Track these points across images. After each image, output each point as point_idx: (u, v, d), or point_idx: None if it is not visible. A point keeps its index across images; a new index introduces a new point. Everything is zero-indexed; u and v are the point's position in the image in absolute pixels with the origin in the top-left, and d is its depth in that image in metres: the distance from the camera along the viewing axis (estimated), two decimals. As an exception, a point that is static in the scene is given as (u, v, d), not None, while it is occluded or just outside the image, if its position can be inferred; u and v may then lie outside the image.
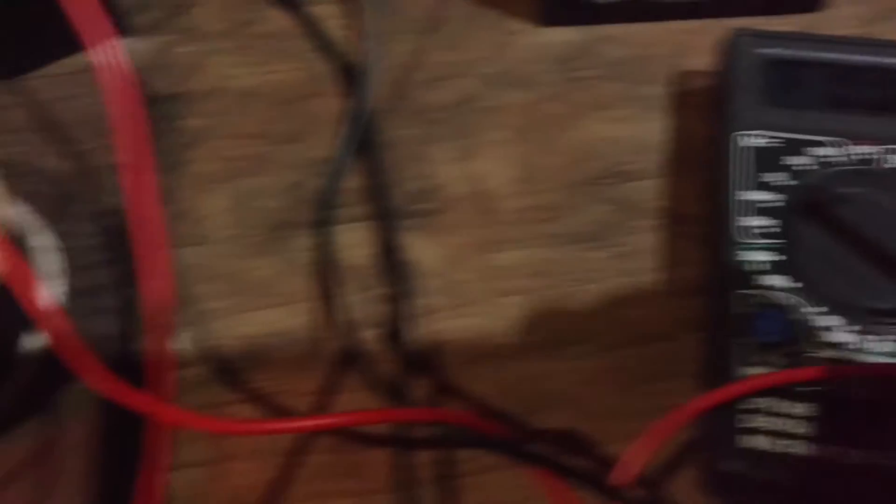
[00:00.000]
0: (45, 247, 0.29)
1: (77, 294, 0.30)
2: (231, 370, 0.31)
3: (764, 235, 0.28)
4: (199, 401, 0.30)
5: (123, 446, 0.29)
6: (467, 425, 0.26)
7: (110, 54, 0.23)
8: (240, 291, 0.32)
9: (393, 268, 0.32)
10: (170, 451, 0.25)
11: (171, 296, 0.27)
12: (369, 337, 0.31)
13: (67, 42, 0.37)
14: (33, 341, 0.29)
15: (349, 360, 0.31)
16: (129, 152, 0.24)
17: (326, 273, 0.32)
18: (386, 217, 0.33)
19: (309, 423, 0.26)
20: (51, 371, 0.28)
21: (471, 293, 0.32)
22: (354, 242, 0.33)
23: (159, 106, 0.36)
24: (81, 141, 0.33)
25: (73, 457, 0.27)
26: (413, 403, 0.30)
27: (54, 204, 0.31)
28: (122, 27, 0.38)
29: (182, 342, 0.31)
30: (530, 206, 0.33)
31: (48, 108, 0.34)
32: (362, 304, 0.32)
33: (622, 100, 0.35)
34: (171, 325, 0.25)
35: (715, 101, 0.34)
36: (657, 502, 0.27)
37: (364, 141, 0.35)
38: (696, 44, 0.36)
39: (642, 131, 0.35)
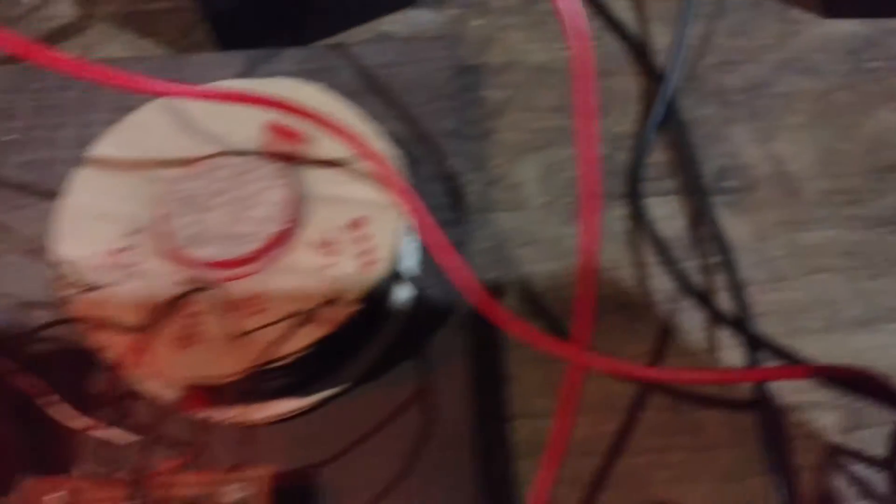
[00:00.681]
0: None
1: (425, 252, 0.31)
2: (560, 329, 0.33)
3: None
4: (531, 355, 0.32)
5: (488, 395, 0.31)
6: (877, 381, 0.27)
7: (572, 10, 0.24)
8: (560, 256, 0.34)
9: (706, 240, 0.34)
10: (579, 397, 0.27)
11: (598, 247, 0.29)
12: (687, 306, 0.33)
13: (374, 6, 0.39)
14: (403, 292, 0.31)
15: (670, 327, 0.33)
16: (582, 108, 0.26)
17: (641, 242, 0.34)
18: (695, 192, 0.35)
19: (727, 375, 0.27)
20: (419, 321, 0.31)
21: (782, 269, 0.33)
22: (665, 214, 0.35)
23: (459, 76, 0.38)
24: (413, 106, 0.35)
25: (446, 402, 0.29)
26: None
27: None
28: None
29: (507, 300, 0.33)
30: (833, 189, 0.35)
31: (375, 74, 0.35)
32: (679, 274, 0.33)
33: (912, 92, 0.37)
34: (596, 277, 0.27)
35: None
36: None
37: (666, 118, 0.36)
38: (979, 41, 0.37)
39: (934, 123, 0.36)
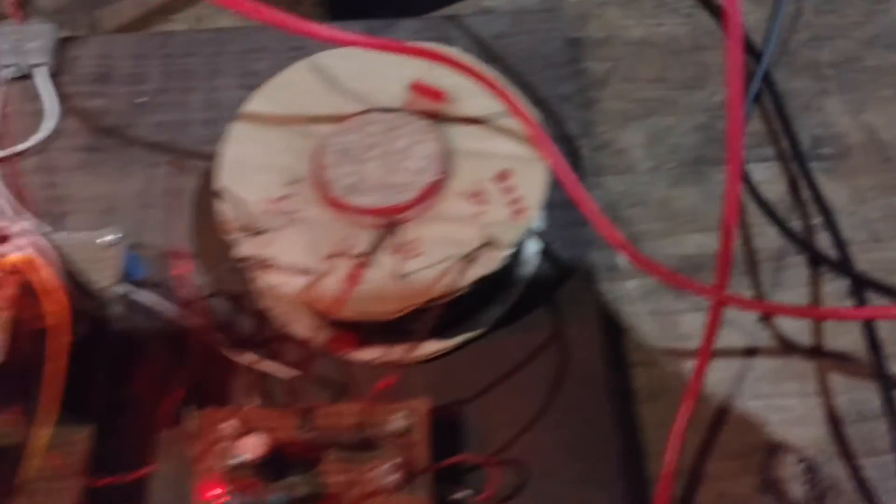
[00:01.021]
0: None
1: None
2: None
3: None
4: (649, 308, 0.34)
5: (611, 343, 0.33)
6: None
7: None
8: (667, 217, 0.36)
9: (806, 203, 0.36)
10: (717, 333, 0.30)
11: (739, 205, 0.31)
12: (792, 263, 0.35)
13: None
14: (531, 245, 0.32)
15: (776, 283, 0.34)
16: (734, 76, 0.28)
17: (745, 204, 0.36)
18: (792, 158, 0.37)
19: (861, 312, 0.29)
20: (547, 272, 0.33)
21: (880, 230, 0.35)
22: (766, 179, 0.37)
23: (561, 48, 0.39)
24: (527, 74, 0.37)
25: (577, 347, 0.31)
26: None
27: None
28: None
29: (619, 259, 0.35)
30: (924, 156, 0.37)
31: (489, 43, 0.37)
32: (782, 234, 0.35)
33: None
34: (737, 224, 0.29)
35: None
36: None
37: (762, 90, 0.38)
38: None
39: None
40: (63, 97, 0.37)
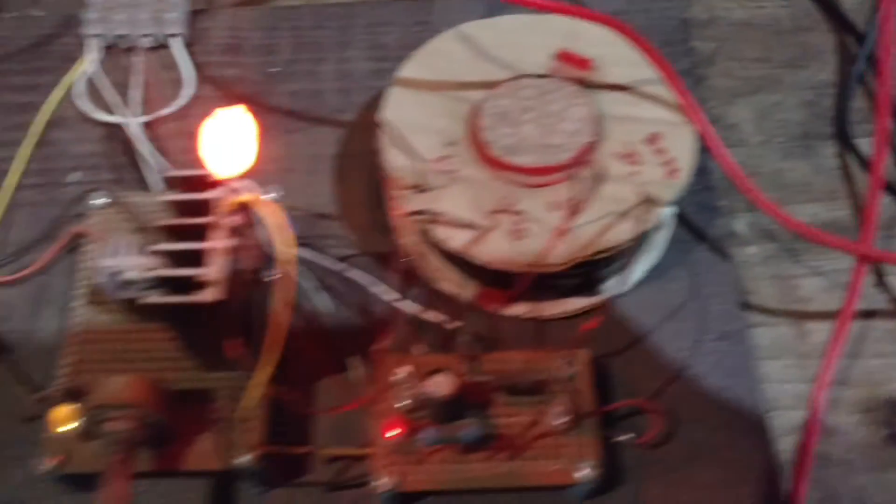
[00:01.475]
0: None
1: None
2: (790, 249, 0.36)
3: None
4: (769, 273, 0.36)
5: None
6: None
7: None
8: (780, 187, 0.38)
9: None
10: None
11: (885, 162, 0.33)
12: (901, 233, 0.37)
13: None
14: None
15: (892, 247, 0.36)
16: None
17: (853, 176, 0.38)
18: (897, 133, 0.39)
19: None
20: (681, 235, 0.34)
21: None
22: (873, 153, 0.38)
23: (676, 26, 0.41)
24: (646, 49, 0.38)
25: (715, 306, 0.33)
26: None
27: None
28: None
29: (738, 226, 0.37)
30: None
31: (607, 21, 0.39)
32: (891, 204, 0.37)
33: None
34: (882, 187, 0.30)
35: None
36: None
37: (865, 69, 0.40)
38: None
39: None
40: (197, 66, 0.38)
